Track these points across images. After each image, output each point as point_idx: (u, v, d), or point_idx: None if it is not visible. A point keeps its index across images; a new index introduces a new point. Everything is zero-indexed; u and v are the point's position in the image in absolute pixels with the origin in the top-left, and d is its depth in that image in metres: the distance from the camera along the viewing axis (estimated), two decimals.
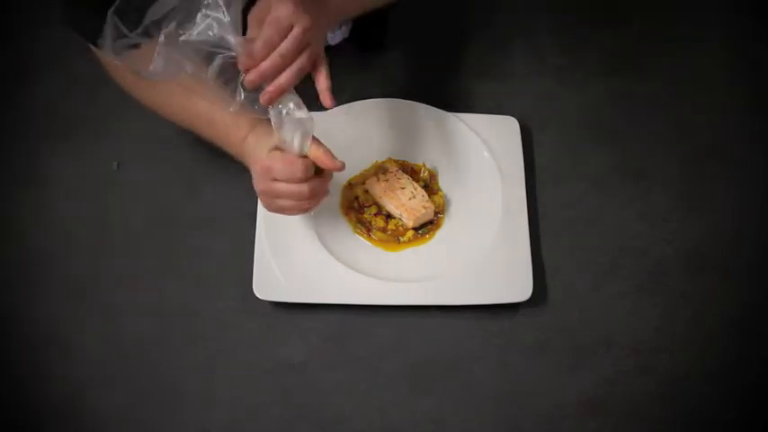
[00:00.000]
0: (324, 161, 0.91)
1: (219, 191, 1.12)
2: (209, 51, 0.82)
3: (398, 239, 1.08)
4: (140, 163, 1.14)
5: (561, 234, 1.11)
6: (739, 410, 1.02)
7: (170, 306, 1.05)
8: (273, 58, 0.83)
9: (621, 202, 1.14)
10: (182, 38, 0.81)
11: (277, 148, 0.91)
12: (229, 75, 0.84)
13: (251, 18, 0.83)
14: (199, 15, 0.81)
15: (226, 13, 0.81)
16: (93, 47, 0.96)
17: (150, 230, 1.09)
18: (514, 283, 1.04)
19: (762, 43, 1.28)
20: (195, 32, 0.81)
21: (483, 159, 1.12)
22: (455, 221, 1.10)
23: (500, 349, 1.04)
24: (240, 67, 0.83)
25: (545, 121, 1.19)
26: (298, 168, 0.90)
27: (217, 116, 0.96)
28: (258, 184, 0.94)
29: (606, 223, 1.12)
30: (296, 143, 0.89)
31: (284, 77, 0.84)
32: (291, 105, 0.87)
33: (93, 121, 1.16)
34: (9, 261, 1.07)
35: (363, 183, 1.10)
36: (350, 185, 1.11)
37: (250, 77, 0.84)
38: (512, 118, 1.15)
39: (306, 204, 0.95)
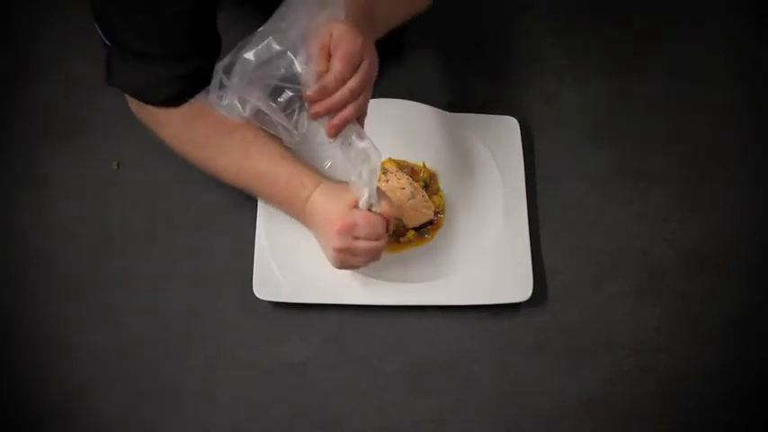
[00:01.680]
0: (388, 215, 0.93)
1: (219, 191, 1.12)
2: (275, 86, 0.83)
3: (398, 239, 1.08)
4: (140, 163, 1.14)
5: (561, 234, 1.11)
6: (739, 410, 1.02)
7: (170, 306, 1.05)
8: (343, 93, 0.83)
9: (621, 202, 1.14)
10: (255, 72, 0.82)
11: (354, 206, 0.92)
12: (292, 108, 0.85)
13: (316, 48, 0.82)
14: (274, 50, 0.82)
15: (299, 49, 0.82)
16: (135, 100, 0.95)
17: (150, 230, 1.09)
18: (514, 283, 1.04)
19: (762, 43, 1.28)
20: (268, 67, 0.82)
21: (483, 159, 1.12)
22: (455, 221, 1.10)
23: (500, 349, 1.04)
24: (307, 99, 0.83)
25: (545, 121, 1.19)
26: (379, 225, 0.92)
27: (281, 175, 0.96)
28: (336, 242, 0.93)
29: (606, 223, 1.12)
30: (364, 176, 0.89)
31: (349, 110, 0.84)
32: (354, 137, 0.87)
33: (93, 121, 1.16)
34: (9, 261, 1.07)
35: None
36: None
37: (317, 110, 0.84)
38: (512, 118, 1.15)
39: (376, 259, 0.96)
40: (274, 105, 0.83)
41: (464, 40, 1.27)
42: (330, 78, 0.82)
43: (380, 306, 1.04)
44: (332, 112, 0.84)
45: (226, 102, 0.83)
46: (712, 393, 1.03)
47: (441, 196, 1.11)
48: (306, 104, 0.84)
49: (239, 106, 0.83)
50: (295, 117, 0.85)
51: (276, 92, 0.83)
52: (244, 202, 1.09)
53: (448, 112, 1.14)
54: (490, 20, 1.28)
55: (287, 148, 0.95)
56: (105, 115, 1.16)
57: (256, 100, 0.83)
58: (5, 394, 1.00)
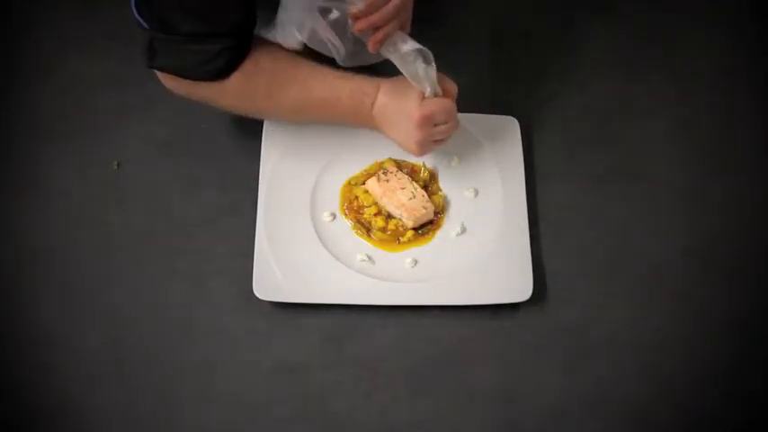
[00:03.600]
0: (453, 93, 1.01)
1: (219, 191, 1.12)
2: (321, 7, 0.90)
3: (398, 240, 1.08)
4: (140, 163, 1.14)
5: (561, 234, 1.11)
6: (740, 411, 1.02)
7: (170, 306, 1.05)
8: (387, 9, 0.90)
9: (621, 202, 1.14)
10: None
11: (422, 96, 0.98)
12: (339, 26, 0.92)
13: None
14: None
15: None
16: (177, 79, 0.98)
17: (150, 230, 1.09)
18: (514, 283, 1.04)
19: (762, 44, 1.28)
20: None
21: (483, 159, 1.12)
22: (455, 222, 1.10)
23: (500, 349, 1.04)
24: (352, 17, 0.90)
25: (545, 121, 1.19)
26: (452, 107, 1.00)
27: (342, 92, 1.00)
28: (417, 134, 0.99)
29: (606, 223, 1.12)
30: (420, 72, 0.95)
31: (391, 26, 0.92)
32: (399, 43, 0.93)
33: (93, 121, 1.16)
34: (9, 261, 1.07)
35: (363, 183, 1.10)
36: (349, 185, 1.11)
37: (360, 26, 0.91)
38: (512, 118, 1.15)
39: (451, 135, 1.04)
40: (327, 24, 0.90)
41: (463, 39, 1.26)
42: None
43: (380, 306, 1.04)
44: (375, 27, 0.91)
45: (287, 27, 0.90)
46: (712, 393, 1.03)
47: (440, 196, 1.11)
48: (350, 21, 0.91)
49: (297, 30, 0.90)
50: (340, 37, 0.93)
51: (324, 12, 0.90)
52: (244, 203, 1.09)
53: None
54: (489, 19, 1.28)
55: (341, 69, 0.99)
56: (105, 115, 1.16)
57: (312, 21, 0.89)
58: (5, 394, 1.00)
